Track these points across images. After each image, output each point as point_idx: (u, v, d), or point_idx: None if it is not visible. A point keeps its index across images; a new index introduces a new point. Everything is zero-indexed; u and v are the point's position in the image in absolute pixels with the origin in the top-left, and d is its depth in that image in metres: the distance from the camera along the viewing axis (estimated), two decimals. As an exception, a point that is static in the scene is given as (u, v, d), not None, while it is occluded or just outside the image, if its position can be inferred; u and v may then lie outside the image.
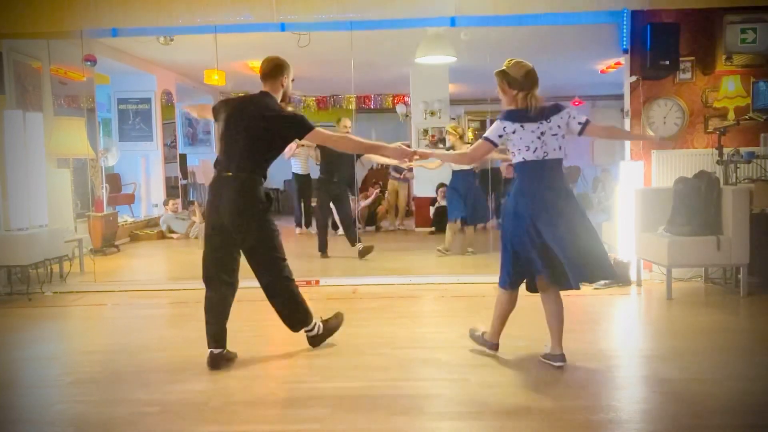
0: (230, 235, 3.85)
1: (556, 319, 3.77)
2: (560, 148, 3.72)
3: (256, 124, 3.84)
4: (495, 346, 3.94)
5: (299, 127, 3.93)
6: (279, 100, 4.04)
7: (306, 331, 4.14)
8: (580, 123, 3.72)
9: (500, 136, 3.70)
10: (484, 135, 3.79)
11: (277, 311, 4.08)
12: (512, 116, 3.69)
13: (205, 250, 3.96)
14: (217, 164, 3.93)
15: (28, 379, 3.85)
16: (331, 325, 4.26)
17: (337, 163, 8.06)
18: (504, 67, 3.80)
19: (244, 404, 3.26)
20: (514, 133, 3.66)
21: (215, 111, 4.07)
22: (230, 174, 3.83)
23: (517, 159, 3.73)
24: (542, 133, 3.65)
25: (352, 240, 8.06)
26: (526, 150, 3.66)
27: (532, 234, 3.60)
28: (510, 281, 3.84)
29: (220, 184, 3.85)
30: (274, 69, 4.07)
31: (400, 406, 3.19)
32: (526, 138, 3.65)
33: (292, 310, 4.07)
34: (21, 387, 3.72)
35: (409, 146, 11.69)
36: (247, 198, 3.84)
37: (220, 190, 3.84)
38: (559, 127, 3.69)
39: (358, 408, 3.18)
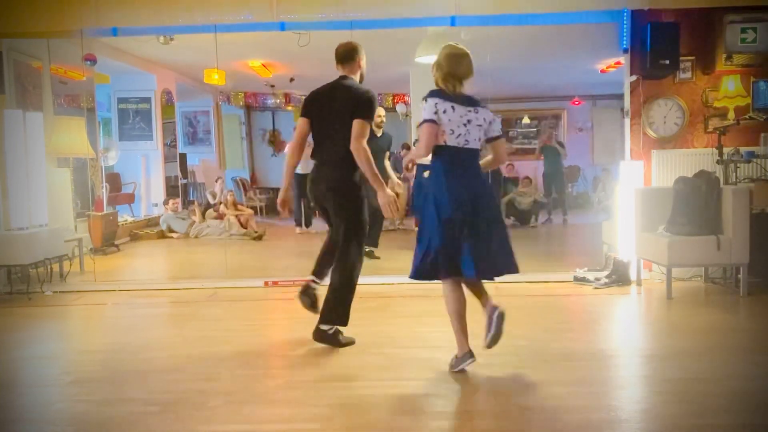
0: None
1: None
2: (478, 140, 3.64)
3: (346, 107, 4.00)
4: (469, 354, 3.61)
5: (369, 112, 4.05)
6: (358, 81, 4.23)
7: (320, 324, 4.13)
8: (495, 132, 3.69)
9: (435, 113, 3.59)
10: (422, 119, 3.66)
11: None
12: (440, 95, 3.64)
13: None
14: (315, 154, 4.25)
15: (28, 379, 3.85)
16: (343, 340, 4.19)
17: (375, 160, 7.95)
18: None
19: (244, 404, 3.26)
20: (444, 112, 3.57)
21: (306, 107, 4.31)
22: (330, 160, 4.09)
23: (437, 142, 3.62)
24: (468, 121, 3.60)
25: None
26: (450, 133, 3.58)
27: (450, 223, 3.52)
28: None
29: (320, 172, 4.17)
30: (351, 51, 4.30)
31: (401, 406, 3.19)
32: (454, 120, 3.58)
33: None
34: (21, 386, 3.72)
35: (409, 148, 11.72)
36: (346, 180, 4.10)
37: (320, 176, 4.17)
38: (484, 120, 3.64)
39: (358, 408, 3.18)
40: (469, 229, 3.51)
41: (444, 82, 3.68)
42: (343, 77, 4.23)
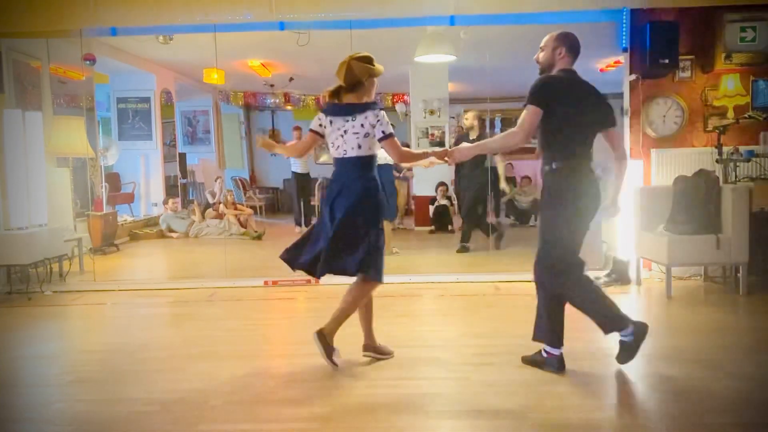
0: None
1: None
2: (359, 146, 3.69)
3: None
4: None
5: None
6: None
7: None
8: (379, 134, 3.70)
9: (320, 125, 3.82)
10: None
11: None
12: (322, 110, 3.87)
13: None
14: None
15: (27, 378, 3.85)
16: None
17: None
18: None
19: (244, 403, 3.26)
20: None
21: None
22: None
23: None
24: (345, 131, 3.69)
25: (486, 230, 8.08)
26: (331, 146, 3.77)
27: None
28: None
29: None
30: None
31: (401, 405, 3.19)
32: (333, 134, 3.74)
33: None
34: (21, 386, 3.72)
35: (409, 147, 11.71)
36: None
37: None
38: (362, 126, 3.68)
39: (358, 407, 3.18)
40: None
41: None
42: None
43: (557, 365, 3.63)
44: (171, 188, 11.59)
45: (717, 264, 5.77)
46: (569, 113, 3.51)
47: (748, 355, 3.97)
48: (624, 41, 6.29)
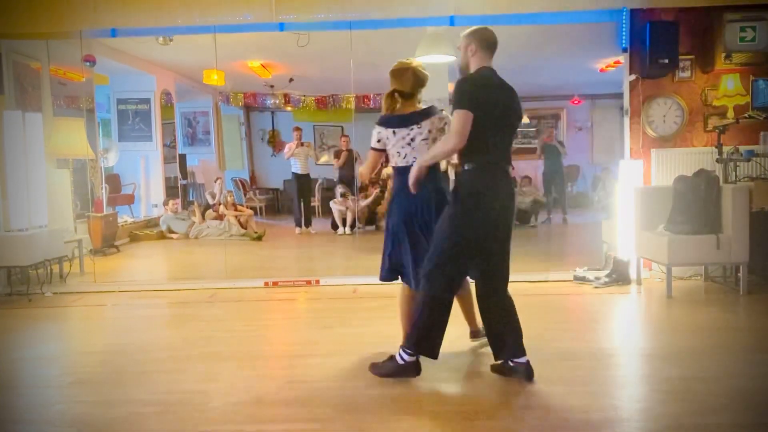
0: None
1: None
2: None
3: None
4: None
5: None
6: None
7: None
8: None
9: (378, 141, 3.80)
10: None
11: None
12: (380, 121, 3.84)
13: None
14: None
15: (28, 380, 3.85)
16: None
17: None
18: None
19: (245, 404, 3.26)
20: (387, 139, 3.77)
21: None
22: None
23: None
24: (413, 139, 3.70)
25: None
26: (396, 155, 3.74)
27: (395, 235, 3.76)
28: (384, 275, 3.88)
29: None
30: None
31: (402, 406, 3.19)
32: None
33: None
34: (21, 387, 3.72)
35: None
36: None
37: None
38: (429, 131, 3.71)
39: (359, 407, 3.18)
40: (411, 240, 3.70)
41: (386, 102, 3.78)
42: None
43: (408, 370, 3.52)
44: (171, 189, 11.60)
45: (717, 264, 5.77)
46: (482, 115, 3.34)
47: (749, 354, 3.97)
48: (624, 41, 6.29)
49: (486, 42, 3.50)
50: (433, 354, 3.51)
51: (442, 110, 3.81)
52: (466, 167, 3.44)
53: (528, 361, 3.48)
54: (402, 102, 3.78)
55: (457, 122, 3.33)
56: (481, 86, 3.42)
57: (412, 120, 3.71)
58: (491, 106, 3.38)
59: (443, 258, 3.43)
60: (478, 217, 3.40)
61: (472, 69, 3.51)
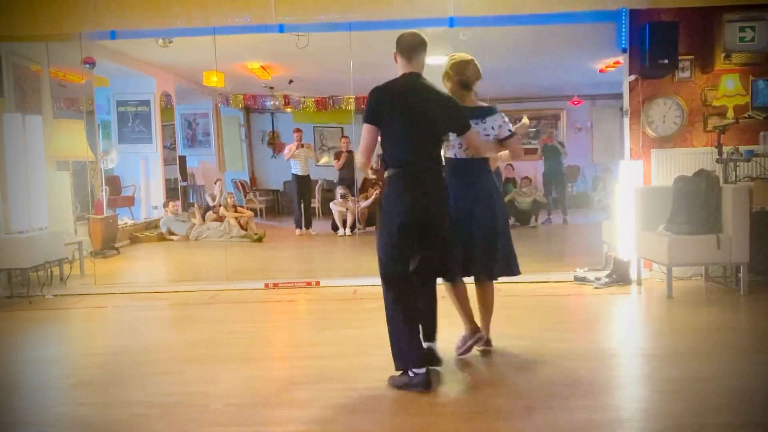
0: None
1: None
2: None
3: None
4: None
5: None
6: None
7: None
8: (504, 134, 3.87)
9: None
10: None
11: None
12: None
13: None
14: None
15: (29, 382, 3.85)
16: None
17: None
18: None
19: (246, 406, 3.26)
20: None
21: None
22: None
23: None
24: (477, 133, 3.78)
25: None
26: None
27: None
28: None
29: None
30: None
31: (403, 407, 3.19)
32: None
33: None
34: (22, 389, 3.72)
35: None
36: None
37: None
38: (492, 128, 3.83)
39: (360, 409, 3.18)
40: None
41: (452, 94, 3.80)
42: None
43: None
44: (171, 191, 11.60)
45: (718, 264, 5.76)
46: (395, 121, 3.38)
47: (750, 354, 3.96)
48: (623, 42, 6.29)
49: (403, 47, 3.56)
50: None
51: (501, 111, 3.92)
52: (386, 174, 3.50)
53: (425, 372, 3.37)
54: (463, 94, 3.84)
55: (362, 136, 3.43)
56: (389, 95, 3.45)
57: (478, 114, 3.80)
58: (403, 111, 3.41)
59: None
60: (390, 220, 3.44)
61: (399, 75, 3.58)
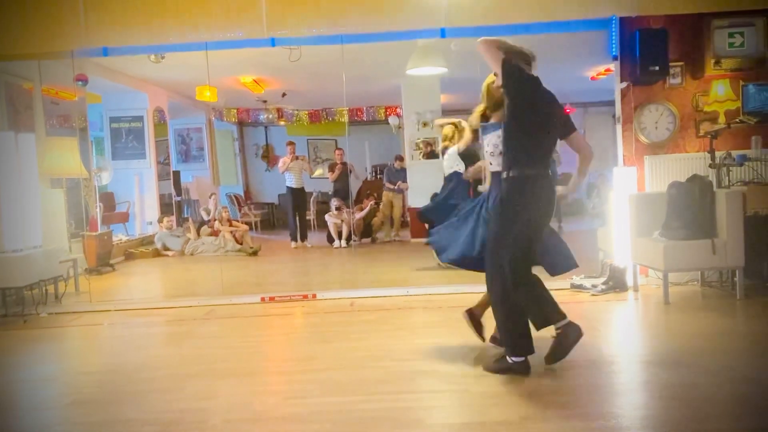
0: None
1: None
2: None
3: None
4: None
5: None
6: None
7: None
8: None
9: None
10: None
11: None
12: None
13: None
14: None
15: (25, 401, 3.82)
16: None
17: None
18: None
19: (244, 422, 3.24)
20: None
21: None
22: None
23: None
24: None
25: None
26: None
27: None
28: None
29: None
30: None
31: (402, 419, 3.17)
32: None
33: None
34: (19, 409, 3.69)
35: (402, 159, 11.72)
36: None
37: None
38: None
39: (359, 422, 3.16)
40: None
41: None
42: None
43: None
44: (166, 206, 11.58)
45: (713, 268, 5.78)
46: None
47: (748, 359, 3.97)
48: (614, 49, 6.32)
49: (528, 57, 4.07)
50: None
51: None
52: (519, 174, 3.73)
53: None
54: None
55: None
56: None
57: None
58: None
59: None
60: (531, 219, 3.78)
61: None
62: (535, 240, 3.75)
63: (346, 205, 10.85)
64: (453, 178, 7.31)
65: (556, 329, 3.74)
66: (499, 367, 3.75)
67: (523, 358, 3.71)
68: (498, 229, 3.73)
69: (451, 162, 7.26)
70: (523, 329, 3.75)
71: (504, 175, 3.73)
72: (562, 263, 4.06)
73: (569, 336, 3.71)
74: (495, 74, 3.89)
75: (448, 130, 7.48)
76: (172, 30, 6.24)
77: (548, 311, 3.74)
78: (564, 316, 3.73)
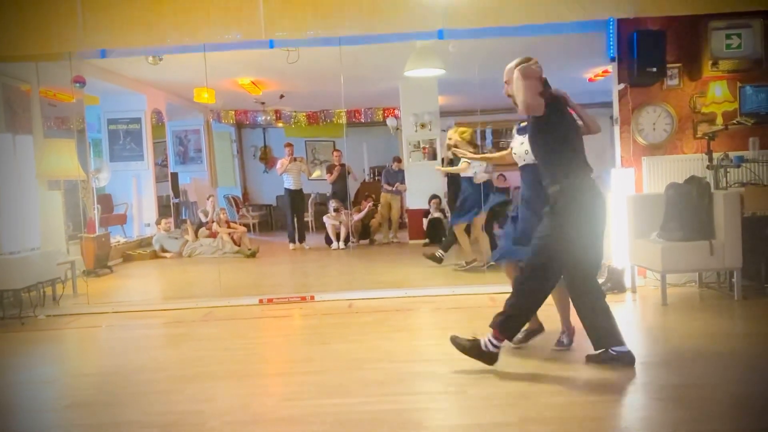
0: None
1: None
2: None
3: None
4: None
5: None
6: None
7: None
8: None
9: None
10: None
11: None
12: None
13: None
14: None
15: (23, 404, 3.82)
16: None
17: None
18: None
19: (243, 424, 3.23)
20: None
21: None
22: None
23: None
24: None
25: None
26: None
27: None
28: None
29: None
30: None
31: (400, 421, 3.17)
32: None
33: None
34: (16, 412, 3.69)
35: (400, 161, 11.72)
36: None
37: None
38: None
39: (357, 424, 3.16)
40: None
41: None
42: None
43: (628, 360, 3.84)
44: (163, 208, 11.56)
45: (711, 270, 5.79)
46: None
47: (746, 360, 3.97)
48: (611, 51, 6.33)
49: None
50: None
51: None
52: (570, 182, 4.24)
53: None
54: None
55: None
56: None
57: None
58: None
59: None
60: (594, 223, 4.24)
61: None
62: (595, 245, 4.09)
63: (344, 207, 10.84)
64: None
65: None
66: (603, 358, 3.87)
67: (625, 348, 3.84)
68: (561, 241, 3.92)
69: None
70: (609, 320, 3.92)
71: (551, 189, 4.00)
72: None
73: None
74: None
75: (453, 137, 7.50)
76: (170, 32, 6.23)
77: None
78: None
